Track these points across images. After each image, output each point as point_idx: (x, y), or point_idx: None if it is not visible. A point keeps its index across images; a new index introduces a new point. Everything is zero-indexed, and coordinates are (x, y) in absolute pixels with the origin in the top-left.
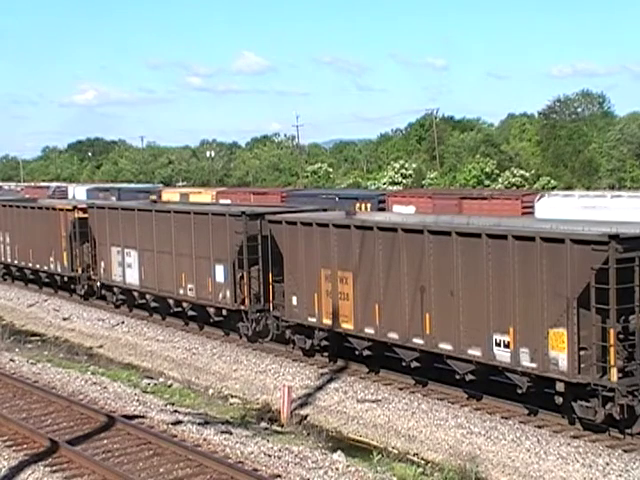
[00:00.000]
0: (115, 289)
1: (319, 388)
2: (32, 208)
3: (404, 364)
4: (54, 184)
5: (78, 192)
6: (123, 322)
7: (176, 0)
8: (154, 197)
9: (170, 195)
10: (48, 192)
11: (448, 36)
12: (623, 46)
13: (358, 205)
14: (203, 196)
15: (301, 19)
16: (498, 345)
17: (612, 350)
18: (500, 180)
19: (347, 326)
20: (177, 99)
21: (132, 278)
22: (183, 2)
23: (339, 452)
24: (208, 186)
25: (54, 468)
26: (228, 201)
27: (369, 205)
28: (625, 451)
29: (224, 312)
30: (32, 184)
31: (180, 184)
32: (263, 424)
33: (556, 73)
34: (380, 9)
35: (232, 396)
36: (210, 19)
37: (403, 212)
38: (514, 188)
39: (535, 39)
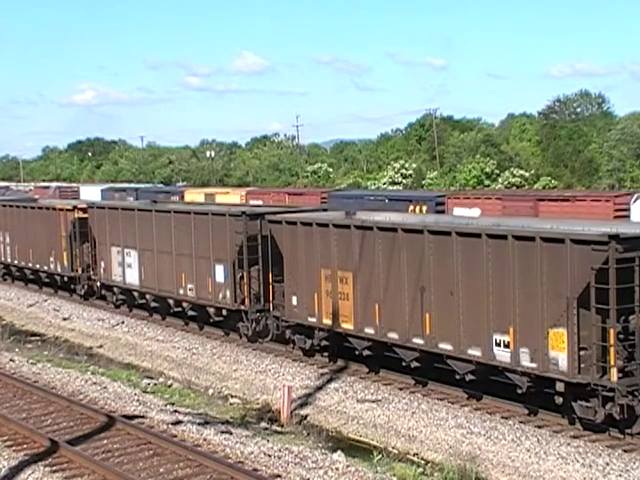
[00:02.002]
0: (115, 289)
1: (319, 388)
2: (32, 208)
3: (404, 364)
4: (54, 184)
5: (91, 192)
6: (123, 322)
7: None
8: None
9: (194, 196)
10: (49, 192)
11: (447, 36)
12: (622, 46)
13: (411, 208)
14: (231, 197)
15: (300, 19)
16: (498, 345)
17: (612, 350)
18: (500, 180)
19: (347, 326)
20: (176, 99)
21: (132, 278)
22: (181, 1)
23: (339, 452)
24: (208, 186)
25: (54, 468)
26: (259, 202)
27: (425, 208)
28: (625, 451)
29: (224, 312)
30: (41, 184)
31: (180, 184)
32: (263, 424)
33: (555, 73)
34: (378, 9)
35: (232, 396)
36: (209, 19)
37: (466, 216)
38: (514, 188)
39: (534, 39)
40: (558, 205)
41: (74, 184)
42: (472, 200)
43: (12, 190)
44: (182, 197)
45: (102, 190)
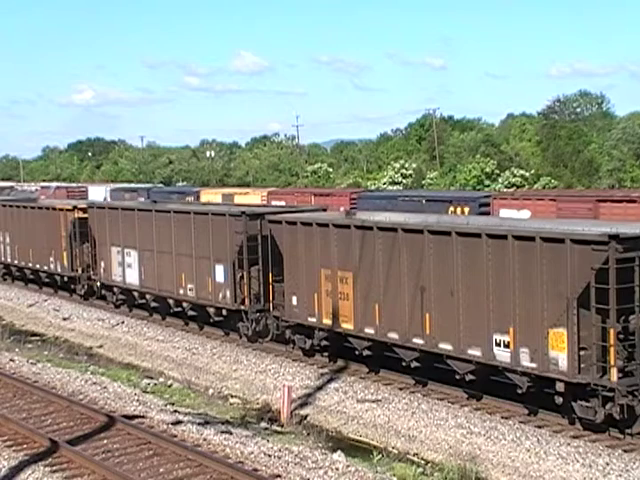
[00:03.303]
0: (115, 289)
1: (319, 388)
2: (32, 208)
3: (404, 364)
4: (54, 184)
5: (99, 193)
6: (123, 322)
7: None
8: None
9: (210, 196)
10: (49, 192)
11: (446, 36)
12: (621, 46)
13: (452, 209)
14: (251, 197)
15: (299, 19)
16: (498, 345)
17: (612, 350)
18: (500, 180)
19: (347, 326)
20: (175, 99)
21: (132, 278)
22: (180, 1)
23: (339, 452)
24: (208, 186)
25: (54, 468)
26: (282, 203)
27: (467, 209)
28: (625, 451)
29: (224, 312)
30: (47, 184)
31: (180, 184)
32: (263, 424)
33: (554, 73)
34: (377, 9)
35: (232, 396)
36: (207, 18)
37: (514, 218)
38: (514, 188)
39: (533, 39)
40: (622, 207)
41: (82, 184)
42: (521, 201)
43: (17, 190)
44: (197, 198)
45: (111, 190)
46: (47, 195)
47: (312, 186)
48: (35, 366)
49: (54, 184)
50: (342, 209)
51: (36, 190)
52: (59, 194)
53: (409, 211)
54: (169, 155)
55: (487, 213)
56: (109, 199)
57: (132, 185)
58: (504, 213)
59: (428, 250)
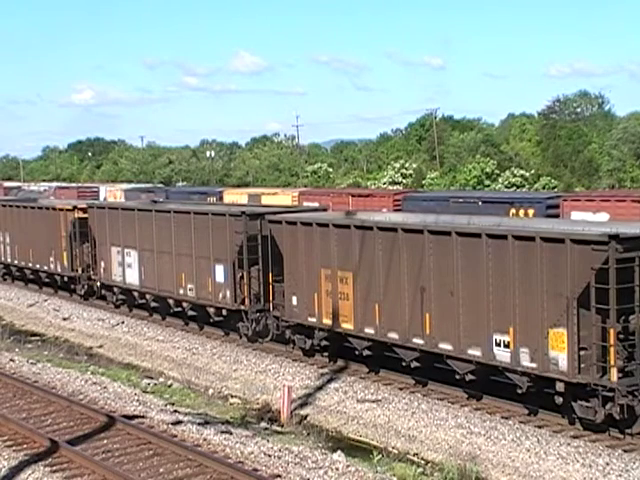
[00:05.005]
0: (115, 289)
1: (319, 388)
2: (32, 208)
3: (404, 364)
4: (54, 184)
5: (112, 193)
6: (123, 322)
7: None
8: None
9: (235, 197)
10: (49, 192)
11: (445, 35)
12: (620, 46)
13: (513, 211)
14: (280, 198)
15: (298, 18)
16: (498, 345)
17: (612, 350)
18: (500, 180)
19: (347, 326)
20: (175, 99)
21: (132, 278)
22: (178, 1)
23: (339, 452)
24: (208, 185)
25: (54, 468)
26: (315, 204)
27: (531, 212)
28: (625, 451)
29: (224, 312)
30: (58, 184)
31: (180, 184)
32: (263, 424)
33: (554, 73)
34: (376, 8)
35: (232, 396)
36: (206, 18)
37: (589, 221)
38: (514, 188)
39: (532, 38)
40: None
41: (94, 184)
42: (598, 203)
43: (25, 191)
44: (220, 198)
45: (126, 190)
46: (57, 196)
47: (350, 186)
48: (35, 366)
49: (54, 184)
50: (384, 210)
51: (44, 190)
52: (68, 194)
53: (463, 214)
54: (169, 155)
55: (555, 216)
56: (123, 200)
57: (148, 186)
58: (576, 216)
59: (428, 250)
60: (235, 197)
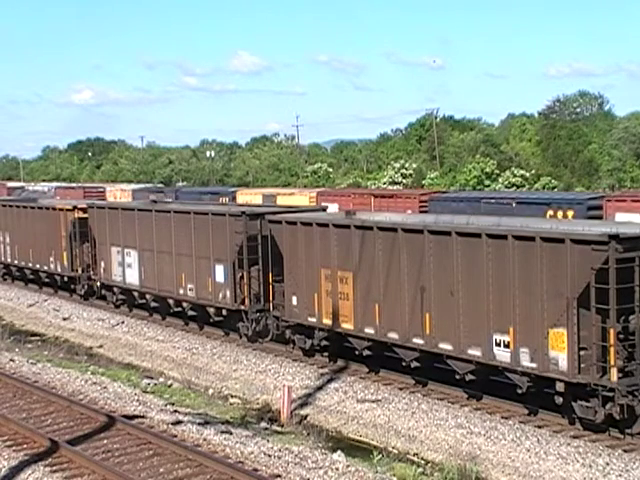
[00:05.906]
0: (115, 289)
1: (319, 388)
2: (32, 208)
3: (404, 364)
4: (54, 184)
5: (120, 193)
6: (123, 322)
7: None
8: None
9: (249, 197)
10: (49, 193)
11: (444, 35)
12: (620, 46)
13: (551, 212)
14: (297, 198)
15: (297, 18)
16: (498, 345)
17: (612, 350)
18: (500, 180)
19: (347, 326)
20: (174, 99)
21: (132, 278)
22: (177, 1)
23: (339, 452)
24: (207, 185)
25: (54, 468)
26: (335, 205)
27: (571, 213)
28: (625, 451)
29: (224, 312)
30: (62, 184)
31: (180, 184)
32: (263, 424)
33: (553, 73)
34: (375, 8)
35: (232, 396)
36: (205, 18)
37: (636, 223)
38: (514, 188)
39: (532, 38)
40: None
41: (100, 184)
42: None
43: (28, 191)
44: (234, 199)
45: (134, 191)
46: (62, 196)
47: (373, 187)
48: (35, 366)
49: (54, 184)
50: (409, 212)
51: (48, 190)
52: (74, 195)
53: (496, 215)
54: (169, 155)
55: (598, 217)
56: (131, 200)
57: (157, 186)
58: (621, 217)
59: (428, 250)
60: (249, 197)
